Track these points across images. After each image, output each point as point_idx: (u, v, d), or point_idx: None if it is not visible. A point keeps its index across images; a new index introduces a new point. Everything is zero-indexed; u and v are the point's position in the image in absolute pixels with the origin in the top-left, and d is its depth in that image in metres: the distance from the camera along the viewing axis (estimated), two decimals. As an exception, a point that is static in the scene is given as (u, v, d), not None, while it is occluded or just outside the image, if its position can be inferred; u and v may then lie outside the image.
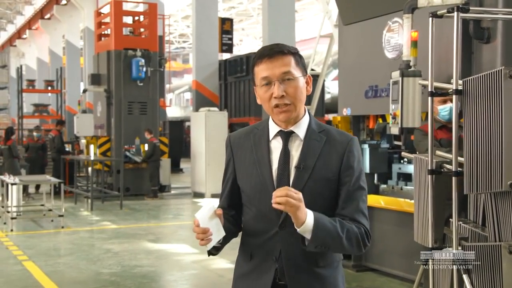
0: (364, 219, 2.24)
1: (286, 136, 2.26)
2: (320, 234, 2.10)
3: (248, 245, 2.33)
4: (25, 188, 13.82)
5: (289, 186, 2.19)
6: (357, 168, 2.26)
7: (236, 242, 2.43)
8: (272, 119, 2.29)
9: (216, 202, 2.42)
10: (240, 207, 2.39)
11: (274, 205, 2.04)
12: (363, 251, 2.24)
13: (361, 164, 2.30)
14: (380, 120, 6.84)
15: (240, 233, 2.41)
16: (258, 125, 2.37)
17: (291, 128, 2.26)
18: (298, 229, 2.10)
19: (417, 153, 4.74)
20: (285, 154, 2.25)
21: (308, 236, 2.10)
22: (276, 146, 2.27)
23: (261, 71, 2.21)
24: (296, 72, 2.21)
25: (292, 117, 2.23)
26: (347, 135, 2.30)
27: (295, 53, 2.23)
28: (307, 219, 2.08)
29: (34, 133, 16.79)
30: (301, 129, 2.26)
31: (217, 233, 2.16)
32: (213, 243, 2.16)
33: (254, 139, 2.31)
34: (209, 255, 2.30)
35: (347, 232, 2.16)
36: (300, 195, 2.05)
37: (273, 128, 2.29)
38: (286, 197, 2.02)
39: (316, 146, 2.25)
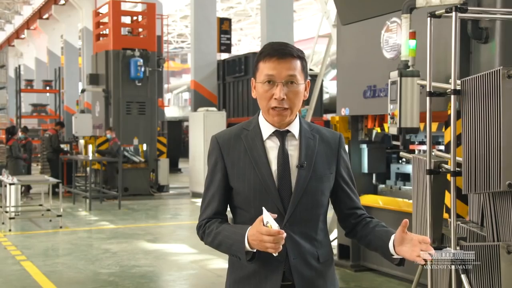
0: None
1: (282, 135, 2.27)
2: None
3: None
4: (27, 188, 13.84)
5: (291, 186, 2.22)
6: (348, 163, 2.39)
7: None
8: (265, 118, 2.29)
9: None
10: (226, 210, 2.36)
11: (421, 261, 2.09)
12: None
13: (348, 158, 2.42)
14: (379, 130, 6.84)
15: None
16: (246, 125, 2.33)
17: (286, 128, 2.27)
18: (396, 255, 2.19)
19: None
20: (284, 153, 2.25)
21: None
22: (272, 146, 2.27)
23: (267, 69, 2.20)
24: (300, 78, 2.22)
25: (286, 121, 2.25)
26: (335, 132, 2.39)
27: (303, 58, 2.25)
28: None
29: (20, 134, 16.59)
30: (295, 128, 2.29)
31: None
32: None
33: (247, 140, 2.28)
34: (251, 261, 2.16)
35: None
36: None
37: (267, 128, 2.28)
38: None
39: (312, 144, 2.28)
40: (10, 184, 10.64)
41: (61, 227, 10.50)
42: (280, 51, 2.20)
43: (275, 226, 2.02)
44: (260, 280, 2.22)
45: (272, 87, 2.20)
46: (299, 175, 2.22)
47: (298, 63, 2.22)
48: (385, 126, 6.05)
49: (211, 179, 2.32)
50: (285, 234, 2.02)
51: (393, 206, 6.53)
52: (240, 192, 2.27)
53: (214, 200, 2.31)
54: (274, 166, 2.24)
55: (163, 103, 23.06)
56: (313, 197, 2.23)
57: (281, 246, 2.04)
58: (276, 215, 2.06)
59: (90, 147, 14.85)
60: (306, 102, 11.44)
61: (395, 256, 2.17)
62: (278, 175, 2.23)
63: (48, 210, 11.41)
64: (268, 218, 2.05)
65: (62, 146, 16.53)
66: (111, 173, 14.82)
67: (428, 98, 3.96)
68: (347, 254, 7.04)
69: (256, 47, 35.96)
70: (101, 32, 16.91)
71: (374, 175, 7.15)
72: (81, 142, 17.02)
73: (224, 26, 18.49)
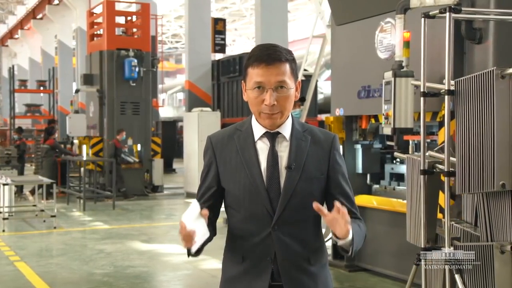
0: (357, 211, 2.34)
1: (273, 137, 2.27)
2: (357, 238, 2.16)
3: (237, 247, 2.31)
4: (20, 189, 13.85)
5: (280, 187, 2.22)
6: (342, 164, 2.34)
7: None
8: (257, 120, 2.29)
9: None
10: (216, 210, 2.36)
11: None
12: None
13: (343, 159, 2.38)
14: (373, 121, 6.85)
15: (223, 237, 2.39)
16: (240, 126, 2.34)
17: (277, 129, 2.27)
18: (340, 241, 2.12)
19: None
20: (273, 155, 2.25)
21: (345, 242, 2.12)
22: (263, 147, 2.27)
23: (256, 75, 2.19)
24: (290, 82, 2.21)
25: (277, 123, 2.25)
26: (329, 133, 2.36)
27: (292, 60, 2.23)
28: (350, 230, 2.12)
29: (15, 136, 16.53)
30: (286, 130, 2.28)
31: (202, 235, 2.13)
32: (197, 245, 2.14)
33: (239, 140, 2.29)
34: (189, 256, 2.25)
35: (361, 227, 2.27)
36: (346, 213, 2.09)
37: (258, 129, 2.28)
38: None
39: (303, 145, 2.27)
40: (4, 184, 10.60)
41: (55, 228, 10.47)
42: (268, 57, 2.18)
43: (189, 223, 2.04)
44: (250, 280, 2.25)
45: (262, 93, 2.20)
46: (288, 176, 2.22)
47: (287, 67, 2.20)
48: (380, 116, 6.01)
49: (205, 177, 2.35)
50: (195, 234, 2.05)
51: (387, 206, 6.53)
52: (231, 192, 2.29)
53: (205, 196, 2.33)
54: (264, 167, 2.24)
55: (158, 103, 23.01)
56: (302, 198, 2.22)
57: (196, 244, 2.10)
58: (206, 213, 2.10)
59: (84, 147, 14.82)
60: (301, 103, 11.46)
61: (339, 243, 2.14)
62: (267, 176, 2.23)
63: (42, 210, 11.37)
64: (191, 212, 2.07)
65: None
66: (119, 174, 14.64)
67: (422, 98, 3.96)
68: (341, 254, 7.04)
69: (251, 48, 35.90)
70: (95, 32, 16.87)
71: (368, 175, 7.16)
72: (76, 142, 16.99)
73: (219, 26, 18.49)
